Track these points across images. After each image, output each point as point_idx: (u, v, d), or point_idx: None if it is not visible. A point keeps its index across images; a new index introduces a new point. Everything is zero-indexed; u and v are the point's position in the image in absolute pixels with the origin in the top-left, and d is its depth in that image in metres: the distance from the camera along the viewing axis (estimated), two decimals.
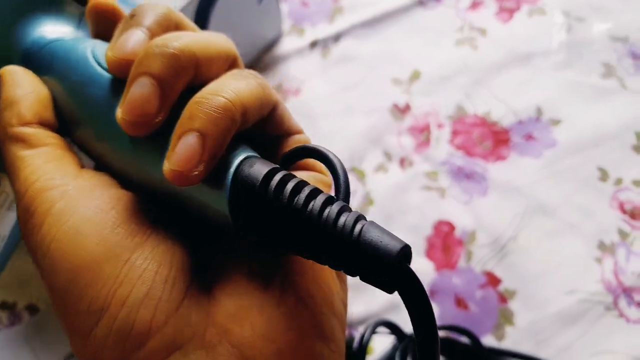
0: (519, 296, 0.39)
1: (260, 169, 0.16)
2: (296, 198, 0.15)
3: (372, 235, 0.15)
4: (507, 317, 0.39)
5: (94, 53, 0.19)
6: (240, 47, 0.47)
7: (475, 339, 0.37)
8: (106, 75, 0.18)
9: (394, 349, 0.36)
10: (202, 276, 0.18)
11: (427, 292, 0.40)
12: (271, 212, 0.16)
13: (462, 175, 0.43)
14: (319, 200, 0.15)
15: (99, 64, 0.19)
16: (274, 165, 0.16)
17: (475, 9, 0.49)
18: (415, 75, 0.47)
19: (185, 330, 0.16)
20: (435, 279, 0.40)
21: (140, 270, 0.16)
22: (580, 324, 0.38)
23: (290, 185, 0.16)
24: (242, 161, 0.16)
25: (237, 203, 0.16)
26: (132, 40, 0.17)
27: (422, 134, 0.45)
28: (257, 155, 0.17)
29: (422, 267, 0.41)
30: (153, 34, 0.17)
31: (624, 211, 0.41)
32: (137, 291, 0.16)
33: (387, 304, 0.40)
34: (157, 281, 0.16)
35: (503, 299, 0.39)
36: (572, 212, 0.41)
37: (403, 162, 0.44)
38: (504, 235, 0.41)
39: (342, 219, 0.15)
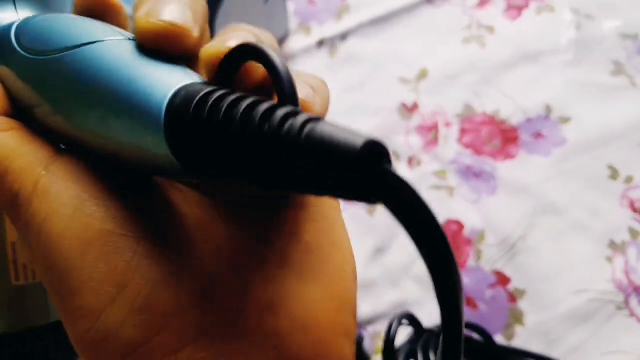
0: (529, 296, 0.39)
1: (196, 90, 0.14)
2: (233, 112, 0.13)
3: (325, 132, 0.11)
4: (517, 317, 0.39)
5: (17, 34, 0.18)
6: None
7: (488, 337, 0.36)
8: (31, 57, 0.17)
9: (410, 342, 0.35)
10: (232, 257, 0.17)
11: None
12: (207, 136, 0.13)
13: (471, 174, 0.43)
14: (260, 109, 0.13)
15: (22, 46, 0.18)
16: (214, 87, 0.14)
17: (483, 6, 0.49)
18: (423, 74, 0.47)
19: (215, 315, 0.15)
20: None
21: (160, 248, 0.15)
22: (590, 323, 0.38)
23: (227, 101, 0.13)
24: (178, 90, 0.14)
25: (176, 137, 0.14)
26: (173, 9, 0.16)
27: (430, 132, 0.45)
28: (204, 81, 0.15)
29: None
30: (191, 6, 0.16)
31: (634, 210, 0.41)
32: (161, 269, 0.15)
33: (396, 304, 0.40)
34: (180, 261, 0.15)
35: (513, 298, 0.39)
36: (582, 211, 0.41)
37: (411, 161, 0.44)
38: (513, 234, 0.41)
39: (288, 124, 0.12)
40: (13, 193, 0.16)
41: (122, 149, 0.16)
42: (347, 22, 0.50)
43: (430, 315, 0.39)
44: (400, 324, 0.32)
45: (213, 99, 0.13)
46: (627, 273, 0.39)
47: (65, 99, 0.17)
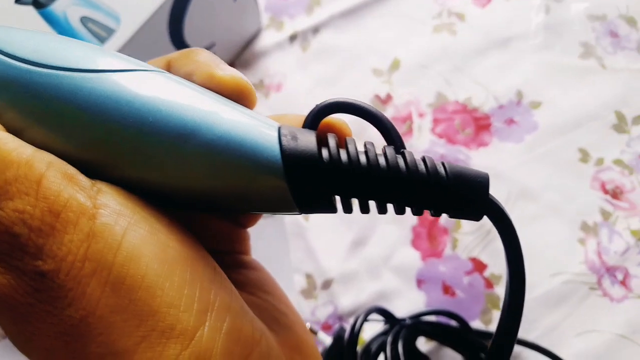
0: (505, 281, 0.40)
1: (306, 137, 0.15)
2: (369, 157, 0.15)
3: (457, 170, 0.16)
4: (493, 302, 0.39)
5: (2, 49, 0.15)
6: (219, 45, 0.47)
7: (463, 322, 0.37)
8: (46, 71, 0.14)
9: (384, 333, 0.36)
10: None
11: (414, 282, 0.41)
12: (346, 177, 0.15)
13: None
14: (390, 152, 0.15)
15: (15, 57, 0.14)
16: (311, 131, 0.15)
17: None
18: (395, 65, 0.47)
19: (272, 351, 0.16)
20: (422, 268, 0.41)
21: (224, 277, 0.16)
22: (565, 305, 0.39)
23: (351, 147, 0.15)
24: (279, 128, 0.15)
25: (294, 178, 0.15)
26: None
27: (405, 123, 0.45)
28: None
29: (408, 256, 0.41)
30: None
31: (605, 191, 0.42)
32: (235, 298, 0.15)
33: (375, 295, 0.40)
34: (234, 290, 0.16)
35: (489, 284, 0.40)
36: (555, 195, 0.42)
37: None
38: (488, 221, 0.41)
39: (422, 165, 0.15)
40: (59, 203, 0.14)
41: (208, 188, 0.15)
42: (319, 15, 0.50)
43: (407, 304, 0.40)
44: (365, 319, 0.33)
45: (332, 143, 0.15)
46: (599, 254, 0.40)
47: (123, 127, 0.14)
